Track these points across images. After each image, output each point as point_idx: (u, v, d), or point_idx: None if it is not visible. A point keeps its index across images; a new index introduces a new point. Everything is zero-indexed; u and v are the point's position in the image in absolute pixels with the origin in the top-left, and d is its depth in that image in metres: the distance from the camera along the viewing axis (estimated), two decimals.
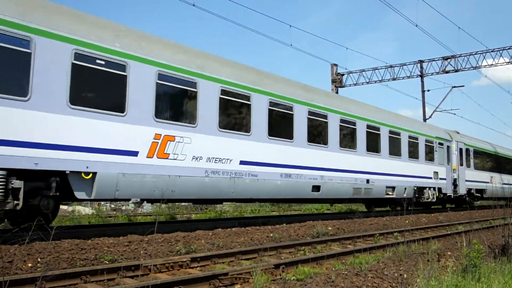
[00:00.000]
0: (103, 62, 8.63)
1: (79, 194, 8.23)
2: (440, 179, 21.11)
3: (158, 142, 9.33)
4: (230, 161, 10.82)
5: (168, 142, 9.53)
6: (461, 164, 23.10)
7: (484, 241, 8.11)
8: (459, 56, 29.41)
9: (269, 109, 12.10)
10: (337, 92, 32.43)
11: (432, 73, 30.83)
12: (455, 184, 22.32)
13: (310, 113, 13.52)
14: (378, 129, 16.69)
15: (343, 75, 33.08)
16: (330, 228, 11.93)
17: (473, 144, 25.24)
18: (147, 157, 9.11)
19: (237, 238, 9.56)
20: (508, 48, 27.74)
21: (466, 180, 23.54)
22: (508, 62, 28.08)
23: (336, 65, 32.98)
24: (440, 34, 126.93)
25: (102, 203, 24.45)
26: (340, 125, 14.67)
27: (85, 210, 22.45)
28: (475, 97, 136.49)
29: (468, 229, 11.43)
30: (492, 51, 28.26)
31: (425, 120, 31.30)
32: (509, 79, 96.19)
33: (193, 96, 10.20)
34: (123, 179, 8.69)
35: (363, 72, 32.36)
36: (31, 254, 6.59)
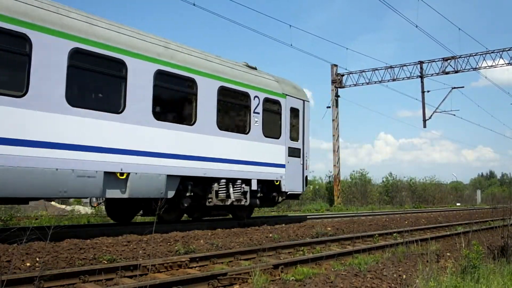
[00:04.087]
0: None
1: None
2: None
3: None
4: None
5: None
6: None
7: (483, 242, 8.11)
8: (459, 57, 29.39)
9: None
10: (336, 92, 32.46)
11: (432, 74, 30.79)
12: None
13: None
14: None
15: (343, 75, 33.05)
16: (329, 229, 11.92)
17: None
18: None
19: (236, 238, 9.55)
20: (508, 50, 27.74)
21: None
22: (507, 64, 28.07)
23: (336, 65, 32.93)
24: (440, 35, 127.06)
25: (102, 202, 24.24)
26: None
27: (84, 209, 22.28)
28: (475, 98, 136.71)
29: (467, 230, 11.42)
30: (492, 52, 28.26)
31: (424, 121, 31.28)
32: (508, 80, 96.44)
33: None
34: None
35: (363, 73, 32.31)
36: (30, 254, 6.58)
